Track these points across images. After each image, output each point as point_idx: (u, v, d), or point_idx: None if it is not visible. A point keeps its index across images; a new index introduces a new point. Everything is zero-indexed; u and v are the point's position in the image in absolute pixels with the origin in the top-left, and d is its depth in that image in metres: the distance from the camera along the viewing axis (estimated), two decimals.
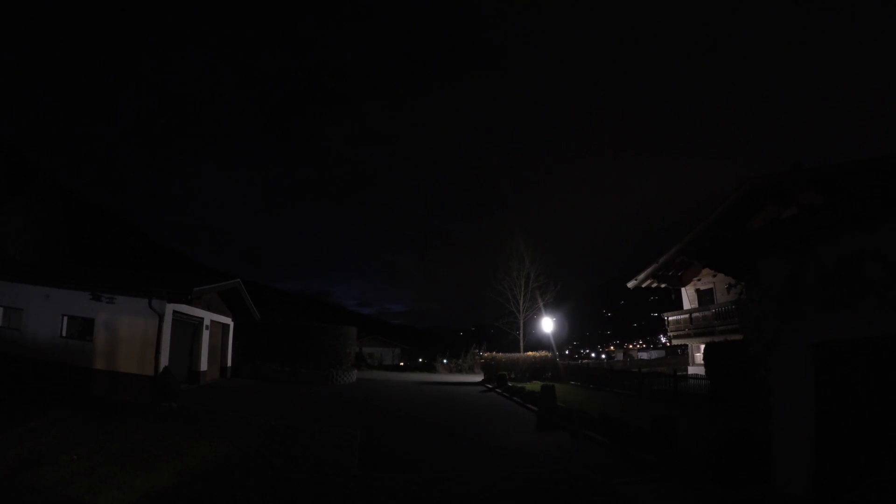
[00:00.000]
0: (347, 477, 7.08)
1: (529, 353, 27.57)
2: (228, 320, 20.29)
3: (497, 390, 20.37)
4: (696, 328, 21.91)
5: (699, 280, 23.22)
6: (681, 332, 23.21)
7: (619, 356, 67.40)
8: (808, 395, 5.74)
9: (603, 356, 78.42)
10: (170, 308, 14.03)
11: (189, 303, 15.19)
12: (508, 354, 27.77)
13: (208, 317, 17.85)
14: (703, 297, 23.02)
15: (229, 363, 20.35)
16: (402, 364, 50.35)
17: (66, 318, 13.97)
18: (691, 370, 21.89)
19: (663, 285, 24.86)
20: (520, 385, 20.12)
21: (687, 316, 22.66)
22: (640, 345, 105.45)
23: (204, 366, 17.47)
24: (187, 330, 16.50)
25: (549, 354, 27.22)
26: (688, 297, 24.02)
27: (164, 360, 13.42)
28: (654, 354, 59.01)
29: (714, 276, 21.38)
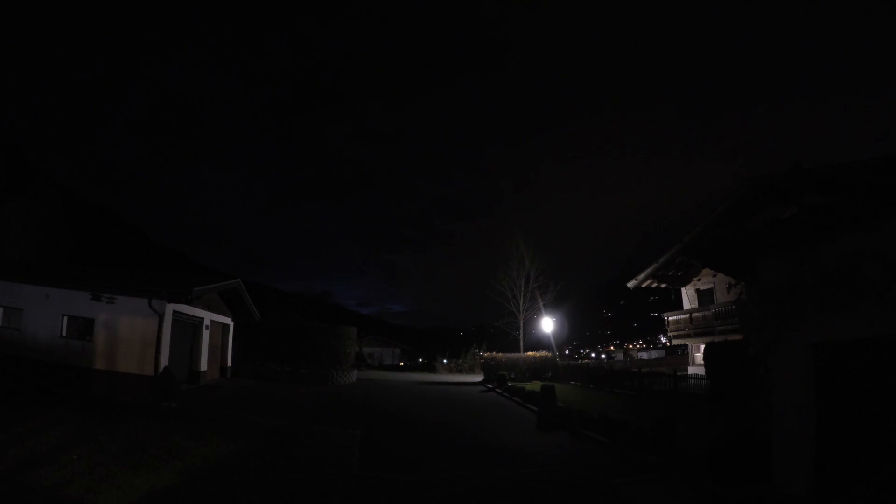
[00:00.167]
0: (347, 477, 7.08)
1: (529, 353, 27.58)
2: (228, 320, 20.29)
3: (497, 390, 20.37)
4: (696, 328, 21.91)
5: (699, 280, 23.22)
6: (681, 332, 23.21)
7: (619, 356, 67.46)
8: (808, 395, 5.74)
9: (603, 356, 78.45)
10: (170, 308, 14.02)
11: (189, 303, 15.18)
12: (508, 354, 27.78)
13: (208, 317, 17.85)
14: (703, 297, 23.02)
15: (229, 363, 20.34)
16: (402, 364, 50.36)
17: (66, 318, 13.97)
18: (691, 370, 21.89)
19: (663, 285, 24.85)
20: (520, 385, 20.12)
21: (687, 316, 22.66)
22: (640, 345, 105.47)
23: (204, 366, 17.47)
24: (187, 330, 16.50)
25: (549, 354, 27.23)
26: (688, 297, 24.02)
27: (164, 360, 13.42)
28: (654, 354, 59.06)
29: (714, 276, 21.38)
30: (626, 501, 6.29)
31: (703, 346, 19.30)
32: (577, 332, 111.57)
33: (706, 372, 14.83)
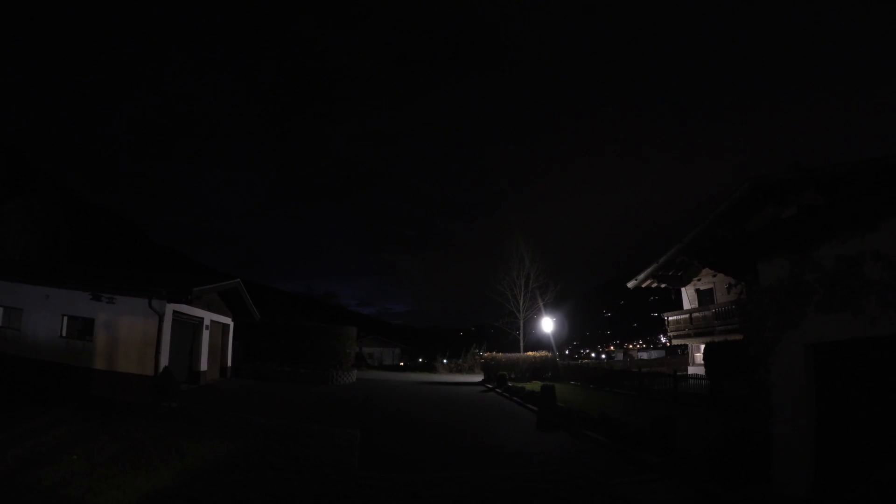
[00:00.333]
0: (348, 477, 7.08)
1: (529, 353, 27.58)
2: (228, 320, 20.29)
3: (497, 390, 20.37)
4: (696, 328, 21.91)
5: (699, 280, 23.22)
6: (681, 332, 23.20)
7: (619, 356, 67.46)
8: (808, 395, 5.74)
9: (603, 356, 78.46)
10: (170, 308, 14.03)
11: (189, 303, 15.19)
12: (508, 354, 27.78)
13: (208, 317, 17.86)
14: (703, 297, 23.02)
15: (229, 363, 20.35)
16: (402, 364, 50.37)
17: (66, 318, 13.97)
18: (691, 370, 21.89)
19: (663, 285, 24.86)
20: (520, 385, 20.12)
21: (687, 316, 22.66)
22: (640, 345, 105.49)
23: (204, 366, 17.47)
24: (187, 330, 16.51)
25: (549, 354, 27.23)
26: (688, 297, 24.02)
27: (164, 360, 13.43)
28: (654, 354, 59.05)
29: (714, 276, 21.37)
30: (626, 501, 6.29)
31: (703, 346, 19.31)
32: (577, 332, 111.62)
33: (706, 372, 14.85)
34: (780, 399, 6.08)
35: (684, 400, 14.76)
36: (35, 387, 11.89)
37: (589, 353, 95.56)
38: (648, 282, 24.45)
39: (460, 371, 35.71)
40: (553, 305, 30.58)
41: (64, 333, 13.89)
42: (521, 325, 30.12)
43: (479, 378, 27.67)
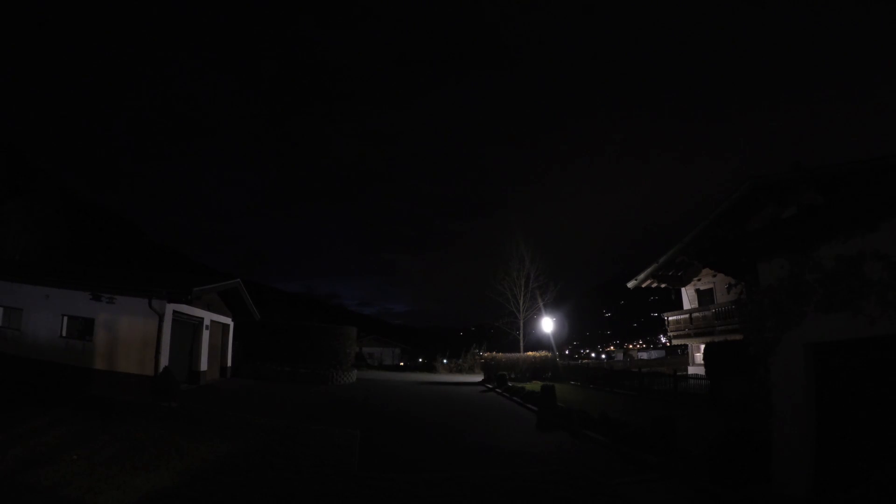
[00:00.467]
0: (348, 477, 7.08)
1: (529, 353, 27.59)
2: (228, 320, 20.29)
3: (497, 390, 20.38)
4: (696, 328, 21.90)
5: (699, 280, 23.22)
6: (681, 332, 23.20)
7: (619, 356, 67.48)
8: (808, 394, 5.74)
9: (603, 356, 78.47)
10: (170, 308, 14.03)
11: (189, 303, 15.19)
12: (508, 354, 27.78)
13: (208, 317, 17.86)
14: (703, 297, 23.02)
15: (229, 363, 20.35)
16: (402, 364, 50.37)
17: (66, 318, 13.97)
18: (691, 370, 21.89)
19: (663, 285, 24.86)
20: (520, 385, 20.13)
21: (687, 316, 22.66)
22: (640, 345, 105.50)
23: (204, 366, 17.47)
24: (187, 330, 16.51)
25: (549, 354, 27.24)
26: (688, 297, 24.02)
27: (164, 360, 13.43)
28: (654, 354, 59.07)
29: (714, 276, 21.37)
30: (627, 501, 6.29)
31: (703, 346, 19.31)
32: (577, 332, 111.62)
33: (706, 372, 14.84)
34: (780, 399, 6.08)
35: (684, 400, 14.77)
36: (35, 387, 11.89)
37: (589, 353, 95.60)
38: (648, 282, 24.45)
39: (460, 371, 35.71)
40: (553, 305, 30.60)
41: (64, 333, 13.90)
42: (521, 325, 30.12)
43: (479, 378, 27.67)
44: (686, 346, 25.88)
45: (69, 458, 6.91)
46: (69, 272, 16.98)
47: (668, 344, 33.88)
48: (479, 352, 34.97)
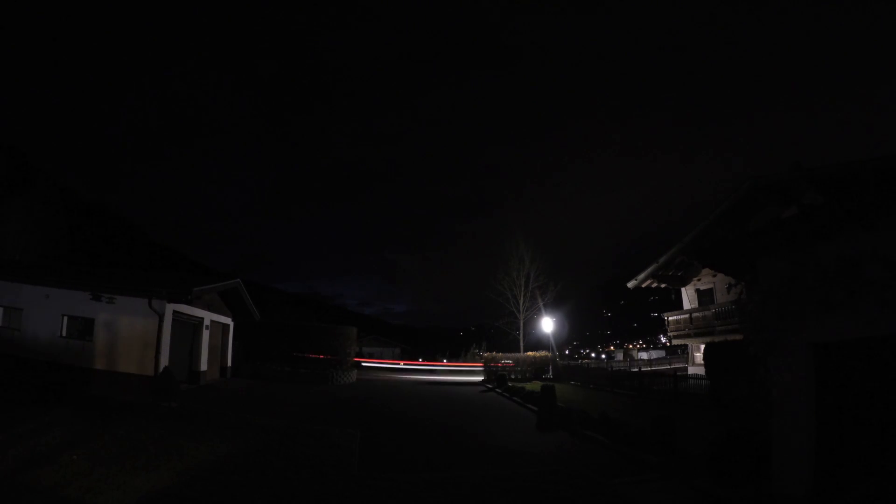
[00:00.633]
0: (348, 477, 7.08)
1: (529, 353, 27.61)
2: (228, 320, 20.29)
3: (497, 390, 20.38)
4: (696, 328, 21.90)
5: (699, 280, 23.22)
6: (681, 332, 23.20)
7: (619, 356, 67.43)
8: (808, 394, 5.74)
9: (603, 356, 78.43)
10: (170, 308, 14.03)
11: (189, 303, 15.19)
12: (508, 354, 27.80)
13: (208, 317, 17.86)
14: (703, 297, 23.01)
15: (229, 363, 20.35)
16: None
17: (66, 318, 13.97)
18: (691, 370, 21.89)
19: (663, 285, 24.85)
20: (520, 385, 20.14)
21: (687, 316, 22.66)
22: (640, 345, 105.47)
23: (204, 366, 17.47)
24: (187, 330, 16.51)
25: (549, 354, 27.26)
26: (688, 297, 24.02)
27: (164, 360, 13.42)
28: (654, 354, 59.01)
29: (714, 276, 21.37)
30: (627, 501, 6.29)
31: (703, 346, 19.31)
32: (577, 332, 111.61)
33: (706, 372, 14.84)
34: (780, 399, 6.07)
35: (684, 400, 14.77)
36: (35, 387, 11.88)
37: (589, 353, 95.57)
38: (648, 282, 24.45)
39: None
40: (553, 305, 30.64)
41: (64, 333, 13.89)
42: (521, 325, 30.15)
43: (479, 378, 27.69)
44: (686, 346, 25.88)
45: (69, 458, 6.91)
46: (69, 272, 16.99)
47: (668, 344, 33.89)
48: (479, 352, 34.99)
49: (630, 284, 25.09)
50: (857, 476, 5.16)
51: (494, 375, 22.71)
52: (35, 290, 14.10)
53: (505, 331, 31.53)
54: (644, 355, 62.39)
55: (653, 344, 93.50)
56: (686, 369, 23.06)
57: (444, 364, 37.92)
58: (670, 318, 23.89)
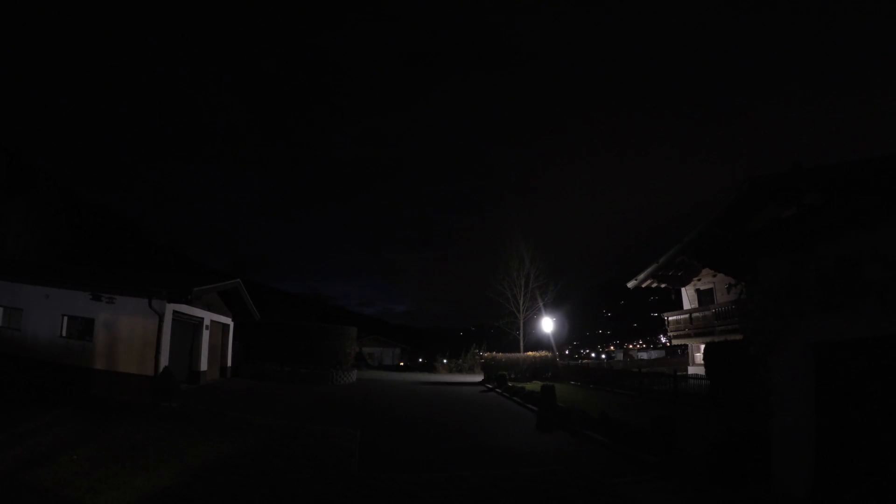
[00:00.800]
0: (348, 477, 7.08)
1: (529, 353, 27.59)
2: (228, 320, 20.29)
3: (497, 390, 20.38)
4: (696, 328, 21.90)
5: (699, 280, 23.22)
6: (681, 332, 23.20)
7: (619, 356, 67.46)
8: (808, 395, 5.74)
9: (603, 356, 78.46)
10: (170, 308, 14.03)
11: (189, 303, 15.19)
12: (508, 354, 27.78)
13: (208, 317, 17.86)
14: (703, 297, 23.02)
15: (229, 363, 20.35)
16: (402, 364, 50.40)
17: (66, 318, 13.97)
18: (691, 370, 21.89)
19: (663, 285, 24.86)
20: (520, 385, 20.12)
21: (687, 316, 22.66)
22: (640, 345, 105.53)
23: (204, 366, 17.48)
24: (187, 330, 16.51)
25: (549, 354, 27.24)
26: (688, 297, 24.02)
27: (164, 360, 13.42)
28: (654, 354, 59.08)
29: (714, 276, 21.38)
30: (627, 501, 6.29)
31: (703, 346, 19.30)
32: (577, 332, 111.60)
33: (706, 372, 14.83)
34: (780, 399, 6.08)
35: (684, 400, 14.77)
36: (35, 387, 11.89)
37: (589, 353, 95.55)
38: (648, 282, 24.45)
39: (460, 371, 35.71)
40: (553, 305, 30.65)
41: (64, 333, 13.89)
42: (521, 325, 30.15)
43: (479, 378, 27.67)
44: (686, 346, 25.88)
45: (69, 458, 6.91)
46: (69, 272, 16.98)
47: (668, 344, 33.90)
48: (480, 352, 34.97)
49: (630, 284, 25.09)
50: (857, 476, 5.16)
51: (494, 375, 22.70)
52: (35, 290, 14.10)
53: (505, 331, 31.53)
54: (644, 355, 62.44)
55: (653, 344, 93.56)
56: (686, 369, 23.06)
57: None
58: (670, 318, 23.90)
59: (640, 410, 12.81)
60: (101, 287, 13.97)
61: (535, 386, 18.10)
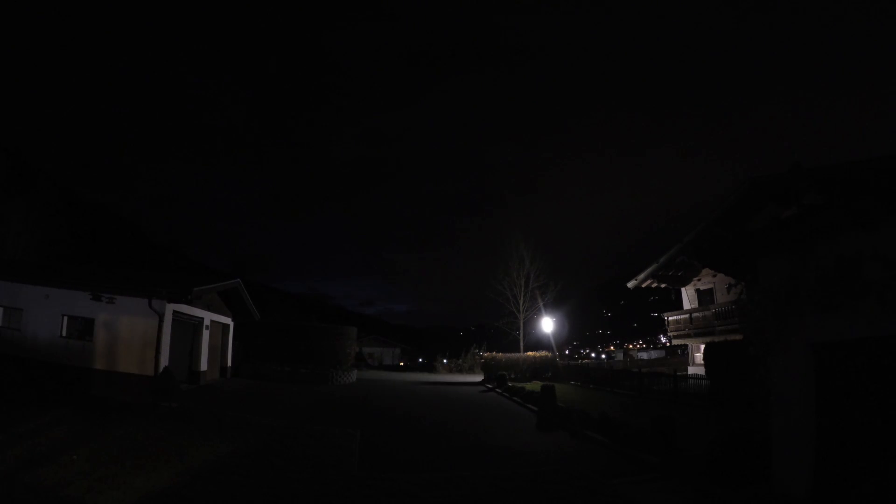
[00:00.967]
0: (348, 477, 7.08)
1: (529, 353, 27.58)
2: (228, 320, 20.29)
3: (497, 390, 20.37)
4: (696, 328, 21.90)
5: (699, 280, 23.22)
6: (681, 332, 23.20)
7: (619, 356, 67.39)
8: (808, 395, 5.74)
9: (603, 356, 78.38)
10: (170, 308, 14.03)
11: (189, 303, 15.19)
12: (508, 354, 27.78)
13: (208, 317, 17.86)
14: (703, 297, 23.02)
15: (229, 363, 20.35)
16: (402, 364, 50.40)
17: (66, 318, 13.97)
18: (691, 370, 21.89)
19: (663, 285, 24.86)
20: (520, 385, 20.12)
21: (687, 316, 22.66)
22: (640, 345, 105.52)
23: (204, 366, 17.47)
24: (187, 330, 16.51)
25: (549, 354, 27.24)
26: (688, 297, 24.02)
27: (164, 360, 13.43)
28: (654, 354, 59.06)
29: (714, 276, 21.37)
30: (626, 501, 6.29)
31: (703, 346, 19.31)
32: (577, 332, 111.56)
33: (706, 372, 14.84)
34: (780, 399, 6.08)
35: (684, 400, 14.76)
36: (35, 387, 11.89)
37: (589, 353, 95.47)
38: (648, 282, 24.45)
39: (460, 371, 35.71)
40: (553, 305, 30.63)
41: (64, 333, 13.89)
42: (521, 325, 30.13)
43: (479, 378, 27.67)
44: (686, 346, 25.89)
45: (69, 458, 6.91)
46: (69, 272, 16.98)
47: (668, 344, 33.91)
48: (479, 352, 34.97)
49: (630, 284, 25.09)
50: (857, 476, 5.16)
51: (494, 375, 22.70)
52: (35, 290, 14.10)
53: (505, 331, 31.51)
54: (644, 355, 62.41)
55: (653, 344, 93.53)
56: (686, 369, 23.06)
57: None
58: (670, 318, 23.90)
59: (640, 410, 12.81)
60: (101, 287, 13.97)
61: (535, 386, 18.09)
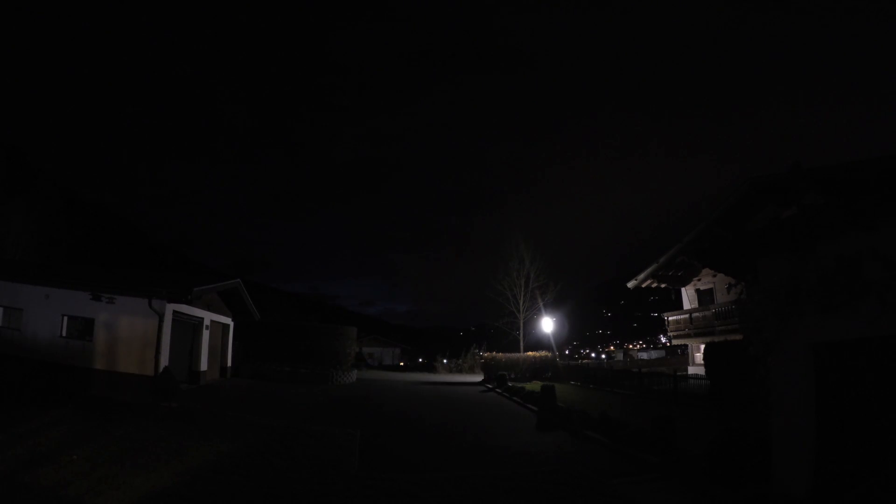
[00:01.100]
0: (348, 477, 7.08)
1: (529, 353, 27.58)
2: (228, 320, 20.29)
3: (497, 390, 20.37)
4: (696, 328, 21.91)
5: (699, 280, 23.22)
6: (681, 332, 23.20)
7: (619, 356, 67.34)
8: (808, 395, 5.74)
9: (603, 356, 78.32)
10: (170, 308, 14.03)
11: (189, 303, 15.19)
12: (508, 354, 27.78)
13: (208, 317, 17.86)
14: (703, 297, 23.02)
15: (229, 363, 20.35)
16: (402, 364, 50.39)
17: (66, 318, 13.97)
18: (691, 370, 21.89)
19: (663, 285, 24.86)
20: (520, 385, 20.12)
21: (687, 316, 22.66)
22: (640, 345, 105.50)
23: (204, 366, 17.47)
24: (187, 330, 16.51)
25: (549, 354, 27.23)
26: (688, 297, 24.02)
27: (164, 360, 13.43)
28: (654, 354, 59.01)
29: (714, 276, 21.37)
30: (627, 501, 6.29)
31: (703, 346, 19.31)
32: (577, 332, 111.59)
33: (706, 372, 14.84)
34: (780, 399, 6.08)
35: (684, 400, 14.76)
36: (35, 387, 11.88)
37: (589, 353, 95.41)
38: (648, 282, 24.45)
39: (460, 371, 35.72)
40: (553, 305, 30.62)
41: (64, 333, 13.89)
42: (521, 325, 30.13)
43: (479, 378, 27.68)
44: (686, 346, 25.89)
45: (69, 458, 6.92)
46: (69, 272, 16.99)
47: (668, 344, 33.90)
48: (479, 352, 34.98)
49: (630, 284, 25.08)
50: (857, 476, 5.16)
51: (494, 375, 22.70)
52: (35, 290, 14.10)
53: (505, 331, 31.50)
54: (644, 355, 62.37)
55: (653, 344, 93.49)
56: (686, 369, 23.06)
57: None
58: (670, 318, 23.90)
59: (640, 410, 12.80)
60: (101, 287, 13.97)
61: (534, 386, 18.10)
